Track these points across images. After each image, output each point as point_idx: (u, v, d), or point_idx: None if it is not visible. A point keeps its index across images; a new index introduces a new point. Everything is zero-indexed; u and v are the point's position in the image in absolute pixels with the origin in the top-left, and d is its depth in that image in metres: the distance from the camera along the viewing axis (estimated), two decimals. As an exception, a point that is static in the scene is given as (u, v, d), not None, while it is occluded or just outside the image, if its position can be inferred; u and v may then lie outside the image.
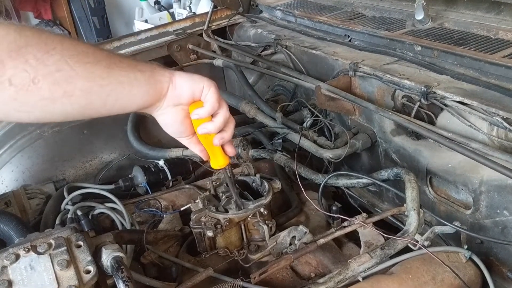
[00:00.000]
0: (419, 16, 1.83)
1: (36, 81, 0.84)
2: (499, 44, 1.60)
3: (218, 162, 1.23)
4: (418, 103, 1.56)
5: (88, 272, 1.05)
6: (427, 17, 1.84)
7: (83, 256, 1.08)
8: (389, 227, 1.73)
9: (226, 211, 1.46)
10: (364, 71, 1.74)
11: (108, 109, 0.99)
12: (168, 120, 1.12)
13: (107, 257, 1.11)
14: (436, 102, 1.50)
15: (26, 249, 1.06)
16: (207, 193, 1.56)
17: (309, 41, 2.14)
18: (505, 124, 1.31)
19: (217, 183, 1.60)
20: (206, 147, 1.20)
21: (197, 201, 1.55)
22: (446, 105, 1.48)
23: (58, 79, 0.87)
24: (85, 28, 4.96)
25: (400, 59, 1.76)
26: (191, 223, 1.47)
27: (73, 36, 4.90)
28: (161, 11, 4.82)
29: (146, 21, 4.42)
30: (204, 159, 1.24)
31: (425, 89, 1.50)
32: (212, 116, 1.12)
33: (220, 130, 1.15)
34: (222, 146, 1.21)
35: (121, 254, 1.13)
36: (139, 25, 4.30)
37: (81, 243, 1.11)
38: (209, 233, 1.42)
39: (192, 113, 1.11)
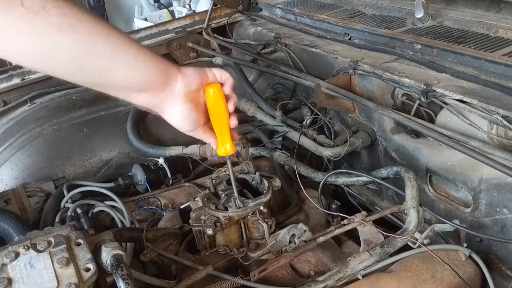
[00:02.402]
0: (419, 14, 1.83)
1: (46, 8, 0.85)
2: (498, 42, 1.60)
3: (226, 148, 1.24)
4: (417, 101, 1.57)
5: (88, 270, 1.06)
6: (427, 15, 1.84)
7: (83, 254, 1.09)
8: (389, 225, 1.73)
9: (226, 209, 1.46)
10: (364, 69, 1.74)
11: (111, 68, 0.97)
12: (182, 112, 1.11)
13: (106, 255, 1.12)
14: (436, 101, 1.50)
15: (26, 247, 1.06)
16: (207, 191, 1.56)
17: (309, 39, 2.14)
18: (505, 122, 1.31)
19: (217, 181, 1.60)
20: (217, 133, 1.21)
21: (196, 199, 1.55)
22: (445, 103, 1.49)
23: (67, 13, 0.87)
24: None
25: (400, 57, 1.76)
26: (190, 221, 1.47)
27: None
28: (160, 9, 4.82)
29: (145, 19, 4.42)
30: (215, 147, 1.26)
31: (424, 87, 1.51)
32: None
33: None
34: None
35: (121, 252, 1.13)
36: (138, 23, 4.30)
37: (80, 241, 1.12)
38: (209, 231, 1.42)
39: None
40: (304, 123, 2.03)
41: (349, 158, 2.07)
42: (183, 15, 3.82)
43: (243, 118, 2.25)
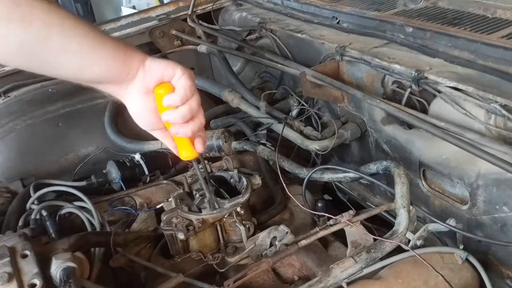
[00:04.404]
0: (411, -6, 1.69)
1: None
2: (497, 23, 1.48)
3: (186, 152, 1.09)
4: (409, 90, 1.44)
5: (33, 286, 0.95)
6: (420, -4, 1.71)
7: (29, 268, 0.98)
8: (381, 221, 1.61)
9: (200, 211, 1.34)
10: (352, 56, 1.61)
11: (66, 60, 0.88)
12: (139, 107, 1.00)
13: (56, 268, 1.00)
14: (428, 88, 1.37)
15: (-37, 262, 0.95)
16: (181, 190, 1.44)
17: (295, 24, 2.01)
18: (504, 111, 1.19)
19: (193, 180, 1.48)
20: (174, 137, 1.07)
21: (170, 199, 1.43)
22: (439, 91, 1.36)
23: (20, 2, 0.81)
24: (69, 15, 4.77)
25: (390, 41, 1.63)
26: (162, 224, 1.35)
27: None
28: (149, -4, 4.67)
29: (133, 7, 4.27)
30: (175, 152, 1.12)
31: (416, 74, 1.38)
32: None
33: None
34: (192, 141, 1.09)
35: (72, 265, 1.01)
36: (126, 12, 4.14)
37: (27, 252, 1.00)
38: (181, 236, 1.30)
39: (164, 98, 0.98)
40: (290, 114, 1.90)
41: (339, 151, 1.95)
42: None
43: (228, 110, 2.13)
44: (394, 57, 1.51)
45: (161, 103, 0.98)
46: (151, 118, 1.01)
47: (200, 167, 1.34)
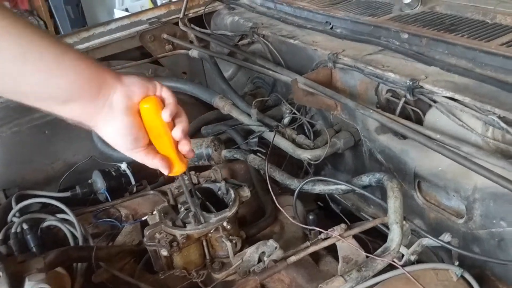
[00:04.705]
0: (407, -1, 1.64)
1: None
2: (496, 30, 1.42)
3: (179, 166, 1.02)
4: (403, 99, 1.38)
5: (2, 310, 0.89)
6: (416, 0, 1.65)
7: (-1, 291, 0.92)
8: (376, 233, 1.56)
9: (185, 225, 1.28)
10: (344, 63, 1.56)
11: (24, 74, 0.81)
12: (123, 126, 0.91)
13: (28, 290, 0.94)
14: (424, 98, 1.32)
15: None
16: (166, 203, 1.38)
17: (288, 29, 1.95)
18: (502, 124, 1.13)
19: (179, 191, 1.42)
20: (165, 152, 1.01)
21: (154, 212, 1.37)
22: (434, 101, 1.30)
23: None
24: (61, 18, 4.70)
25: (384, 48, 1.57)
26: (145, 239, 1.30)
27: (50, 28, 4.66)
28: (143, -2, 4.59)
29: (126, 9, 4.20)
30: (166, 172, 1.05)
31: (410, 82, 1.32)
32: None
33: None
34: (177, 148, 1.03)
35: (45, 287, 0.95)
36: (119, 15, 4.08)
37: (-2, 274, 0.94)
38: (164, 253, 1.24)
39: (163, 113, 0.93)
40: (282, 122, 1.84)
41: (333, 160, 1.89)
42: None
43: (219, 117, 2.07)
44: (388, 65, 1.45)
45: (150, 118, 0.93)
46: (136, 135, 0.93)
47: (185, 178, 1.28)
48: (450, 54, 1.41)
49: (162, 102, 0.95)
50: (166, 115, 0.92)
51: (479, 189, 1.27)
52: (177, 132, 0.96)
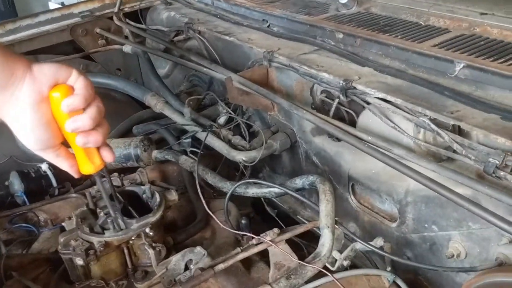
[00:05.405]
0: (344, -1, 1.61)
1: None
2: (429, 31, 1.42)
3: (93, 163, 0.91)
4: (337, 100, 1.35)
5: None
6: (353, 1, 1.63)
7: None
8: (311, 236, 1.51)
9: (104, 231, 1.18)
10: (280, 62, 1.51)
11: None
12: (30, 121, 0.81)
13: None
14: (356, 99, 1.28)
15: None
16: (84, 207, 1.27)
17: (224, 26, 1.89)
18: (433, 126, 1.11)
19: (100, 195, 1.32)
20: (75, 149, 0.90)
21: (72, 217, 1.26)
22: (367, 102, 1.27)
23: None
24: (-9, 10, 4.42)
25: (320, 48, 1.53)
26: (59, 247, 1.19)
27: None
28: (79, -10, 4.37)
29: (62, 3, 3.99)
30: (76, 176, 0.94)
31: (344, 83, 1.29)
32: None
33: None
34: (98, 150, 0.93)
35: None
36: (53, 7, 3.86)
37: None
38: (79, 261, 1.14)
39: (63, 103, 0.81)
40: (217, 121, 1.77)
41: (270, 162, 1.84)
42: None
43: (151, 116, 1.98)
44: (323, 65, 1.41)
45: (59, 109, 0.82)
46: (46, 133, 0.82)
47: (104, 180, 1.17)
48: (384, 54, 1.39)
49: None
50: (64, 104, 0.81)
51: (411, 192, 1.25)
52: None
